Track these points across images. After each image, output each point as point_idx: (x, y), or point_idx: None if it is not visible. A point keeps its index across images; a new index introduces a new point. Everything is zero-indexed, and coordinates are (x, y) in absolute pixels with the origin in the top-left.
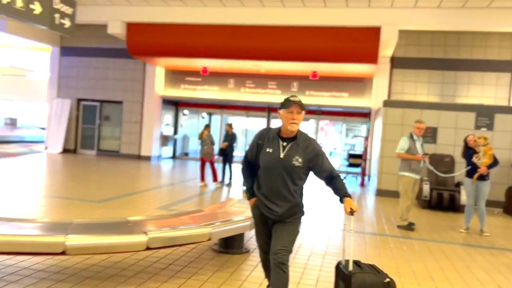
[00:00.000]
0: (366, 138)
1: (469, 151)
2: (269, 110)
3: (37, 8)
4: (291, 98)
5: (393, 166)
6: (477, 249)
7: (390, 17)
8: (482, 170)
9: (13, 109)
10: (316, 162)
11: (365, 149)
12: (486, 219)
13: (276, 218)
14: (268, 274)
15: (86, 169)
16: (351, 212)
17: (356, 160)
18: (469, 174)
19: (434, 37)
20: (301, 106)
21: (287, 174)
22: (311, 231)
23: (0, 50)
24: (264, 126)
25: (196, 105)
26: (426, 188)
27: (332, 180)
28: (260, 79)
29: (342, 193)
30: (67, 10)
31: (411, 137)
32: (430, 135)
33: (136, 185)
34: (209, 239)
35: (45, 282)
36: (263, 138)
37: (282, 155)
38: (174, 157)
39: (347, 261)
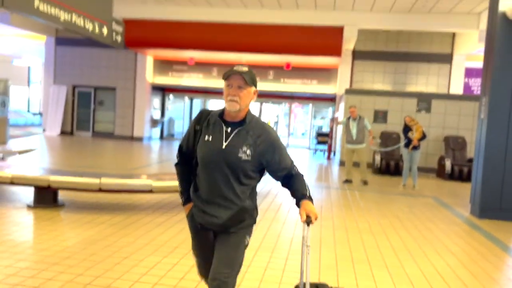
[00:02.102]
0: (332, 120)
1: (406, 129)
2: None
3: (105, 31)
4: (234, 67)
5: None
6: (407, 197)
7: (351, 19)
8: (414, 142)
9: None
10: (272, 157)
11: (331, 129)
12: (422, 180)
13: (218, 229)
14: None
15: (94, 147)
16: (308, 221)
17: (324, 138)
18: (406, 145)
19: (388, 34)
20: (244, 78)
21: (231, 170)
22: (266, 242)
23: None
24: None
25: (180, 90)
26: (378, 158)
27: (290, 179)
28: None
29: (299, 194)
30: (119, 29)
31: (348, 118)
32: (382, 116)
33: (147, 159)
34: None
35: (137, 209)
36: (202, 123)
37: (224, 145)
38: (161, 138)
39: (304, 285)
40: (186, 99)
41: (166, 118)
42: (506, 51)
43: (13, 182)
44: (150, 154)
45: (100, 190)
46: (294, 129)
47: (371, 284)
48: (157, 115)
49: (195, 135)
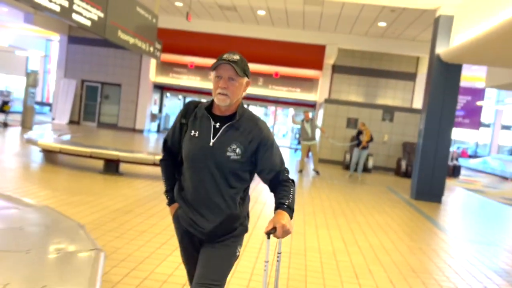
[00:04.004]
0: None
1: (359, 132)
2: None
3: (151, 49)
4: (224, 55)
5: (330, 144)
6: (367, 185)
7: (333, 39)
8: (363, 143)
9: None
10: (262, 156)
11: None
12: (382, 176)
13: (204, 237)
14: None
15: (107, 136)
16: (269, 233)
17: None
18: (357, 145)
19: (363, 53)
20: (234, 68)
21: (219, 170)
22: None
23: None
24: None
25: (178, 90)
26: (348, 156)
27: (279, 184)
28: None
29: (278, 202)
30: (159, 47)
31: (303, 120)
32: (353, 123)
33: (155, 147)
34: None
35: None
36: (188, 116)
37: (211, 142)
38: (158, 131)
39: None
40: (180, 96)
41: (163, 114)
42: (438, 82)
43: (91, 156)
44: (154, 144)
45: (154, 164)
46: (278, 131)
47: (334, 222)
48: (155, 110)
49: (181, 129)
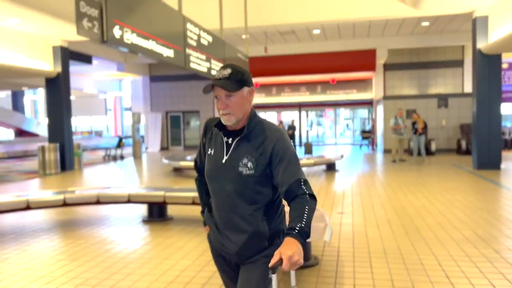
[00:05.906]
0: (373, 119)
1: (413, 122)
2: (299, 107)
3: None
4: (216, 73)
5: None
6: (435, 165)
7: (382, 42)
8: (419, 130)
9: (83, 122)
10: (274, 167)
11: (372, 126)
12: (445, 157)
13: (235, 259)
14: None
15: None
16: (273, 267)
17: (368, 134)
18: (414, 133)
19: (411, 49)
20: (225, 85)
21: (234, 188)
22: None
23: (89, 79)
24: (295, 119)
25: None
26: (412, 144)
27: (293, 200)
28: (294, 86)
29: (288, 226)
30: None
31: (395, 117)
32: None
33: None
34: None
35: None
36: (206, 135)
37: (224, 159)
38: None
39: None
40: None
41: None
42: (483, 71)
43: None
44: None
45: None
46: (334, 130)
47: (415, 189)
48: None
49: (204, 149)
